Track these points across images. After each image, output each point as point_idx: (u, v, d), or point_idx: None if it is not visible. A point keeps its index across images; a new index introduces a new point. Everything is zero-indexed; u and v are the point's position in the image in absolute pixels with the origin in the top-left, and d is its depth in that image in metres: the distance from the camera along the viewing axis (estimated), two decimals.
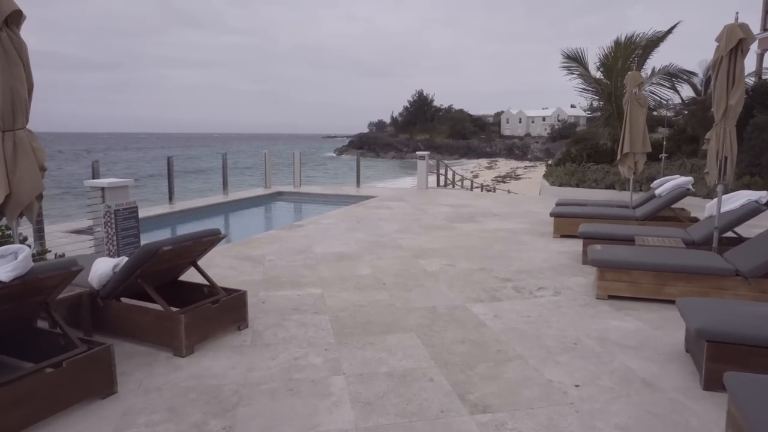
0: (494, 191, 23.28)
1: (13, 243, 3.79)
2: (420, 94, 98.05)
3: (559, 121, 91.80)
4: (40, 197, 4.05)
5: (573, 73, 18.17)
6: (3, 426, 2.89)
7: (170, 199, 12.63)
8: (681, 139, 20.23)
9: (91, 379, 3.32)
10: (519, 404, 3.36)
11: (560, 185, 15.53)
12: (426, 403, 3.36)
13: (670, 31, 17.13)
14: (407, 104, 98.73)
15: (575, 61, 18.00)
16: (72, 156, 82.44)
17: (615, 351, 4.18)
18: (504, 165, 69.18)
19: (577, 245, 7.97)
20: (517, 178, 50.88)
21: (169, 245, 4.06)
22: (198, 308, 4.20)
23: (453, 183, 19.86)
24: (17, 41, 3.68)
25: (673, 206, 8.63)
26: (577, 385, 3.61)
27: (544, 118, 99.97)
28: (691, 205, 10.73)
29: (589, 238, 7.07)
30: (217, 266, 6.77)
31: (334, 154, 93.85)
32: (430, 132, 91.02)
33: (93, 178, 10.64)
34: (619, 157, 9.86)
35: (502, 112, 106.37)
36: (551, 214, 8.93)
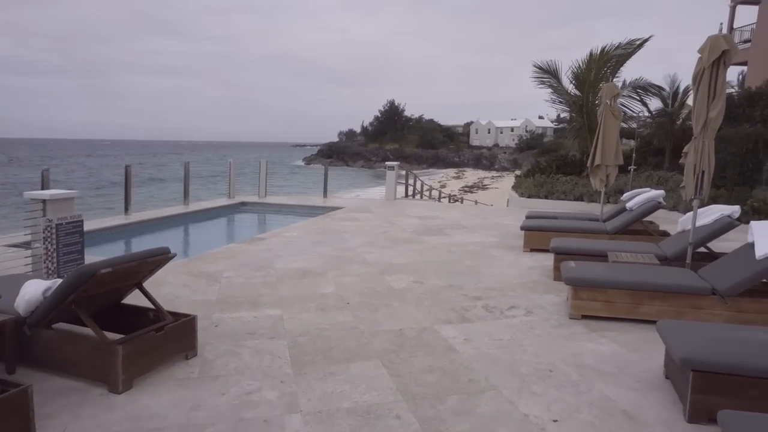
0: (462, 202, 23.17)
1: None
2: (392, 104, 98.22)
3: (527, 132, 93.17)
4: None
5: (544, 84, 18.21)
6: None
7: (126, 209, 12.01)
8: (647, 151, 20.51)
9: (2, 429, 2.87)
10: None
11: (529, 197, 15.46)
12: None
13: (641, 45, 17.30)
14: (378, 114, 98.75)
15: (548, 73, 18.04)
16: (28, 163, 79.55)
17: (593, 378, 3.92)
18: (471, 175, 69.61)
19: (548, 260, 7.77)
20: (484, 188, 51.16)
21: (108, 267, 3.63)
22: (139, 337, 3.77)
23: (421, 193, 19.65)
24: None
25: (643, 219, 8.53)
26: (555, 420, 3.32)
27: (512, 129, 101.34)
28: (657, 217, 10.70)
29: (560, 254, 6.86)
30: (169, 284, 6.31)
31: (303, 163, 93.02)
32: (400, 141, 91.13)
33: (42, 187, 10.03)
34: (590, 168, 9.75)
35: (472, 122, 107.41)
36: (522, 228, 8.72)
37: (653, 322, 5.03)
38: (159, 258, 4.00)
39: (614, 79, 17.35)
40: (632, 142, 20.31)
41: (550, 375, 3.97)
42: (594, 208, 13.47)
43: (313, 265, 7.43)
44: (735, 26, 23.52)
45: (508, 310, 5.54)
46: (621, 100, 18.35)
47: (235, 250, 8.36)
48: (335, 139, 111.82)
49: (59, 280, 3.86)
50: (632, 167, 14.44)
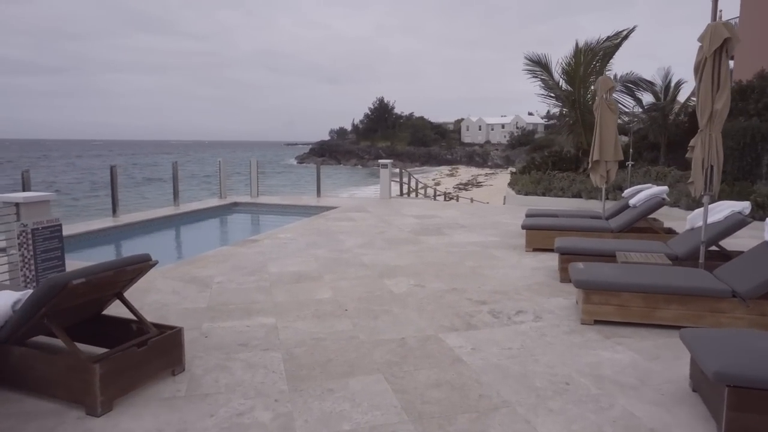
0: (457, 200, 22.90)
1: None
2: (381, 101, 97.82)
3: (518, 128, 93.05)
4: None
5: (536, 77, 17.95)
6: None
7: (114, 211, 11.63)
8: (642, 146, 20.29)
9: None
10: None
11: (526, 194, 15.18)
12: None
13: (626, 36, 17.10)
14: (368, 111, 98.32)
15: (539, 65, 17.79)
16: (28, 164, 78.50)
17: (614, 392, 3.63)
18: (465, 172, 69.41)
19: (552, 260, 7.49)
20: (478, 185, 50.96)
21: (81, 278, 3.30)
22: (118, 354, 3.44)
23: (416, 191, 19.35)
24: None
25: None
26: None
27: (503, 126, 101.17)
28: (659, 214, 10.44)
29: (566, 254, 6.58)
30: (158, 291, 5.97)
31: (295, 162, 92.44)
32: (391, 139, 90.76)
33: (23, 189, 9.64)
34: (590, 165, 9.48)
35: (462, 119, 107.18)
36: (523, 227, 8.43)
37: (670, 327, 4.77)
38: (139, 266, 3.67)
39: (606, 73, 17.13)
40: (625, 138, 20.11)
41: (567, 389, 3.68)
42: (593, 205, 13.23)
43: (309, 268, 7.11)
44: (717, 19, 23.32)
45: (516, 315, 5.25)
46: (613, 95, 18.15)
47: (227, 253, 8.03)
48: (326, 137, 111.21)
49: (30, 292, 3.53)
50: (630, 163, 14.19)
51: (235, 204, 14.32)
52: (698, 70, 5.61)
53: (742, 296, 4.59)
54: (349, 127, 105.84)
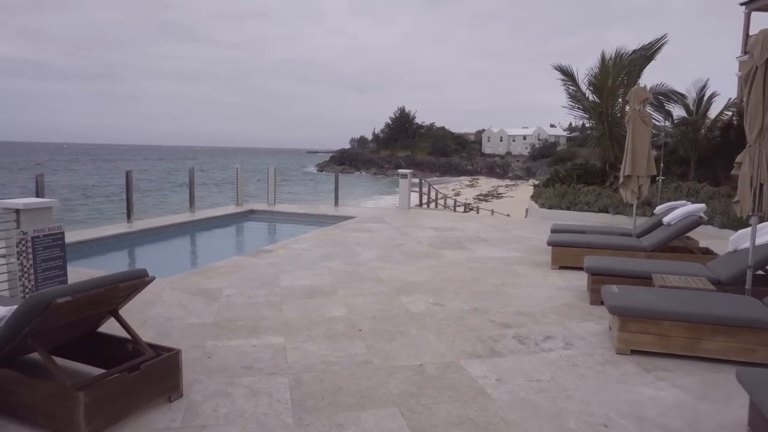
0: (478, 211, 22.44)
1: None
2: (402, 110, 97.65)
3: (539, 140, 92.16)
4: None
5: (568, 87, 17.51)
6: None
7: (128, 217, 11.46)
8: (670, 160, 19.64)
9: None
10: None
11: (550, 207, 14.69)
12: None
13: (659, 48, 16.56)
14: (389, 121, 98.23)
15: (567, 75, 17.35)
16: (58, 167, 79.78)
17: None
18: (485, 183, 68.71)
19: (580, 279, 7.05)
20: (499, 196, 50.28)
21: (67, 295, 3.00)
22: (106, 380, 3.12)
23: (436, 202, 18.95)
24: None
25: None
26: None
27: (524, 137, 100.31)
28: (693, 233, 9.91)
29: (596, 274, 6.14)
30: (163, 303, 5.68)
31: (315, 170, 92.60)
32: (411, 149, 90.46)
33: (37, 195, 9.50)
34: (621, 180, 9.01)
35: (484, 130, 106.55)
36: (549, 243, 8.00)
37: (717, 361, 4.32)
38: (133, 282, 3.36)
39: (638, 84, 16.60)
40: (654, 152, 19.45)
41: None
42: (621, 221, 12.71)
43: (322, 282, 6.77)
44: (750, 33, 22.69)
45: (544, 341, 4.83)
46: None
47: (239, 263, 7.73)
48: (347, 145, 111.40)
49: (15, 308, 3.23)
50: (660, 178, 13.62)
51: (251, 211, 14.08)
52: (747, 80, 5.17)
53: None
54: (369, 136, 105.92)
